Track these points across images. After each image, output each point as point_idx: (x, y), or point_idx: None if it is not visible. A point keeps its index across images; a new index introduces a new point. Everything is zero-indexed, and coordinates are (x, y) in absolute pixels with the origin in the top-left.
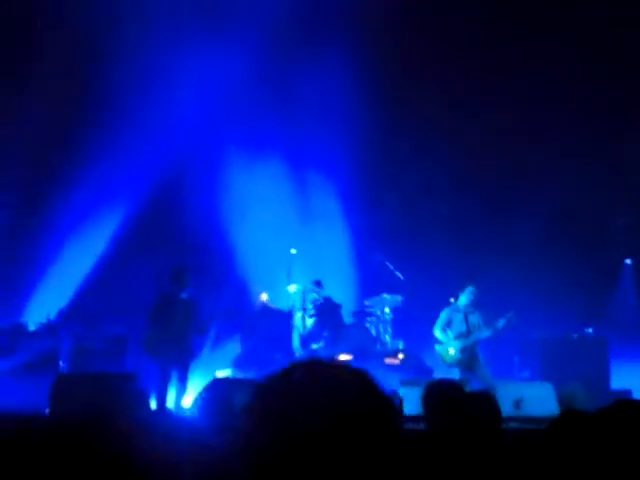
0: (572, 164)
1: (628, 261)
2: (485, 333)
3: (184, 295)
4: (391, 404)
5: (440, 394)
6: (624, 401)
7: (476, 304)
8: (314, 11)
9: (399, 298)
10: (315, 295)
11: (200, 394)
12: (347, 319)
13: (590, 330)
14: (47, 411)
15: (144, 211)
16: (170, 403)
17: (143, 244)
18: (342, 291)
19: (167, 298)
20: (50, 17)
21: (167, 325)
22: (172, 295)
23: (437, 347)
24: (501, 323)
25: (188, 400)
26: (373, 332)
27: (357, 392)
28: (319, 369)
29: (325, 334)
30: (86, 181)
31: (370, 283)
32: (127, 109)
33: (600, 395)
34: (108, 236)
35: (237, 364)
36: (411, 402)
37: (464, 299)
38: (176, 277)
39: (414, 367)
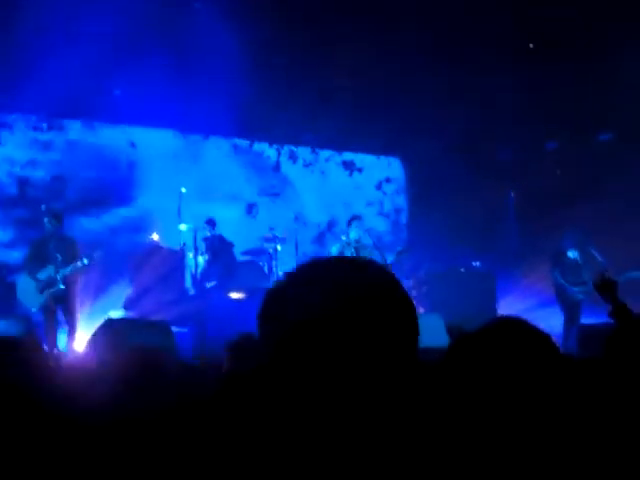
0: (456, 101)
1: (512, 194)
2: None
3: (58, 235)
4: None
5: None
6: (504, 318)
7: (366, 238)
8: None
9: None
10: (207, 234)
11: (94, 334)
12: (240, 257)
13: (477, 264)
14: None
15: None
16: (61, 345)
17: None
18: (235, 230)
19: (41, 240)
20: None
21: (42, 268)
22: (46, 237)
23: None
24: (391, 258)
25: (80, 342)
26: (265, 269)
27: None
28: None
29: (217, 272)
30: None
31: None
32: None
33: None
34: None
35: (128, 305)
36: None
37: (353, 233)
38: (53, 218)
39: None
